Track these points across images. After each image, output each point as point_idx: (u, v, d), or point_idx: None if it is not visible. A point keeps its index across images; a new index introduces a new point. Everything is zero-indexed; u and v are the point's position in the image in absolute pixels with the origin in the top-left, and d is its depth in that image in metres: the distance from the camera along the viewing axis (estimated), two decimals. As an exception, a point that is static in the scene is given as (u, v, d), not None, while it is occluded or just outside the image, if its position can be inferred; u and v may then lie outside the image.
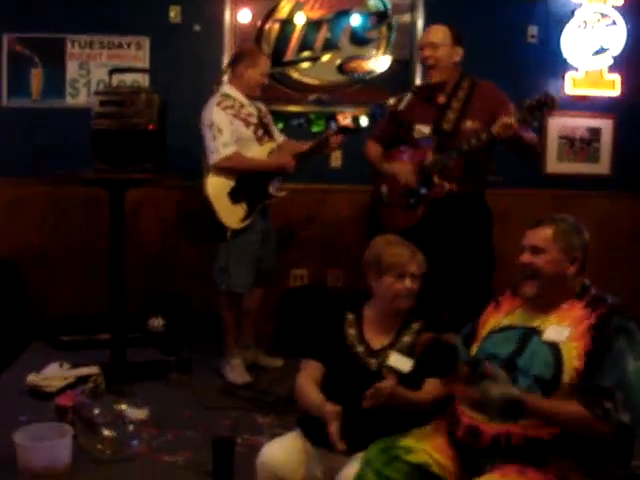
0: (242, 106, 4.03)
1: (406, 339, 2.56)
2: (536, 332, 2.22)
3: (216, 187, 3.93)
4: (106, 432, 2.98)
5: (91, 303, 4.69)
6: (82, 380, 3.63)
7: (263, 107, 4.22)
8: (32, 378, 3.67)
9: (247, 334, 4.29)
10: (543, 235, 2.28)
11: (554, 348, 2.14)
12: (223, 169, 3.92)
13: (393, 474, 2.16)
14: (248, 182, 3.98)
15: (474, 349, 2.38)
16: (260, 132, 4.07)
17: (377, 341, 2.57)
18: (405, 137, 3.70)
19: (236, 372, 4.02)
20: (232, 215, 3.94)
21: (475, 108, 3.58)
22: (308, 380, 2.55)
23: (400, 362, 2.46)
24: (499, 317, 2.39)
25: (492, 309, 2.45)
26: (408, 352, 2.51)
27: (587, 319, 2.17)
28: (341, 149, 4.64)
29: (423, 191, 3.56)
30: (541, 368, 2.13)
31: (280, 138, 4.24)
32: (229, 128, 3.91)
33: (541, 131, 5.06)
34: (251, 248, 4.03)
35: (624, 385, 2.04)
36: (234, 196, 3.95)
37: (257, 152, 4.04)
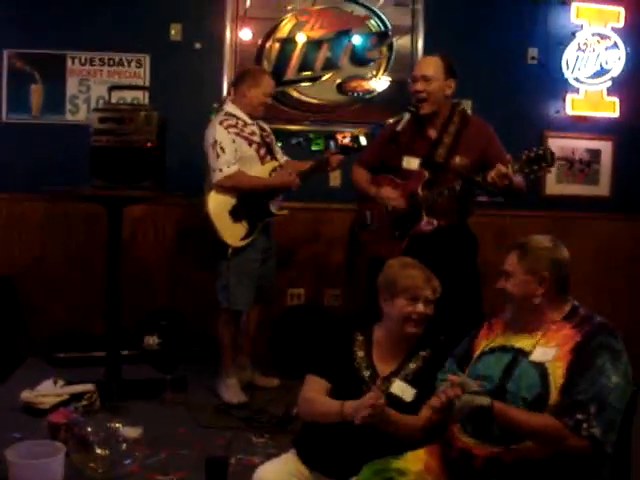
0: (245, 125, 4.04)
1: (412, 366, 2.54)
2: (523, 354, 2.21)
3: (218, 205, 3.94)
4: (99, 450, 2.93)
5: (87, 320, 4.69)
6: (76, 397, 3.61)
7: (267, 127, 4.24)
8: (26, 395, 3.65)
9: (244, 354, 4.27)
10: (510, 260, 2.32)
11: (541, 369, 2.13)
12: (225, 187, 3.92)
13: (386, 496, 2.15)
14: (249, 200, 3.98)
15: (467, 371, 2.36)
16: (262, 151, 4.08)
17: (384, 366, 2.55)
18: (393, 166, 3.68)
19: (231, 392, 4.00)
20: (233, 233, 3.95)
21: (465, 144, 3.56)
22: (315, 392, 2.53)
23: (403, 390, 2.46)
24: (490, 338, 2.38)
25: (485, 331, 2.44)
26: (413, 379, 2.50)
27: (573, 338, 2.16)
28: (340, 168, 4.64)
29: (408, 225, 3.56)
30: (528, 390, 2.12)
31: (283, 158, 4.25)
32: (231, 146, 3.92)
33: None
34: (252, 266, 4.03)
35: (602, 401, 2.02)
36: (235, 214, 3.96)
37: (259, 171, 4.04)
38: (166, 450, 3.20)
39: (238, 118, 4.03)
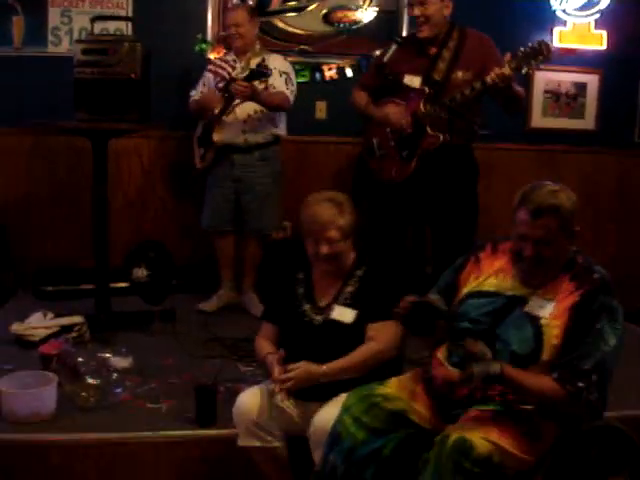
0: (224, 61, 4.33)
1: (349, 289, 2.60)
2: (519, 302, 2.20)
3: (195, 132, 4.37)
4: (90, 380, 2.99)
5: (75, 254, 4.70)
6: (66, 329, 3.63)
7: (265, 60, 4.23)
8: (16, 327, 3.67)
9: (243, 279, 4.49)
10: (547, 224, 2.13)
11: (535, 324, 2.14)
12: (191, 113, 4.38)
13: (371, 421, 2.22)
14: (204, 128, 4.29)
15: (455, 304, 2.37)
16: (221, 84, 4.22)
17: (323, 297, 2.62)
18: (394, 88, 3.68)
19: (208, 301, 4.40)
20: (196, 157, 4.39)
21: (466, 58, 3.60)
22: (262, 339, 2.71)
23: (343, 314, 2.53)
24: (480, 275, 2.36)
25: (472, 265, 2.41)
26: (352, 301, 2.57)
27: (571, 295, 2.14)
28: (325, 100, 4.64)
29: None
30: (520, 344, 2.14)
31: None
32: (201, 80, 4.36)
33: (527, 85, 5.05)
34: (211, 191, 4.38)
35: (602, 368, 2.06)
36: (198, 140, 4.36)
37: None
38: (156, 379, 3.25)
39: (223, 57, 4.40)
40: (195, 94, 4.32)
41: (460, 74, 3.57)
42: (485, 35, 3.71)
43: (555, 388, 2.05)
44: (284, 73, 4.16)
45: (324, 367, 2.44)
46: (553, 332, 2.11)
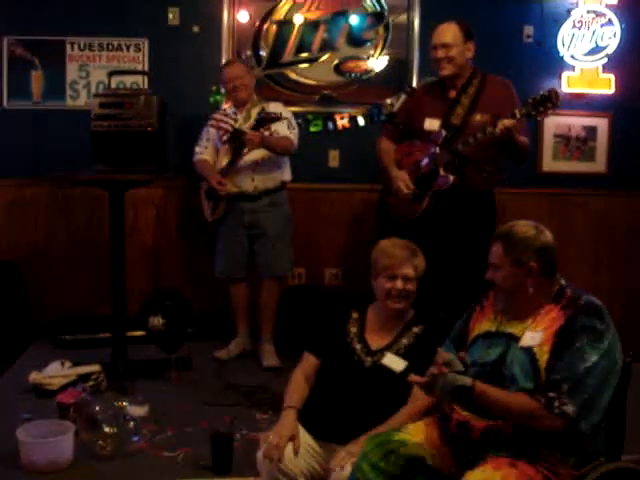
0: (225, 115, 4.43)
1: (404, 341, 2.64)
2: (514, 339, 2.24)
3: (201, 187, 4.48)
4: (107, 429, 3.01)
5: (91, 303, 4.75)
6: (83, 378, 3.67)
7: (269, 109, 4.33)
8: (34, 376, 3.71)
9: (260, 327, 4.50)
10: (496, 251, 2.30)
11: (529, 354, 2.17)
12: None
13: (389, 467, 2.21)
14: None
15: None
16: (225, 137, 4.33)
17: (376, 341, 2.65)
18: (416, 132, 3.75)
19: (222, 349, 4.44)
20: (206, 210, 4.48)
21: (484, 103, 3.67)
22: (299, 373, 2.68)
23: (394, 362, 2.55)
24: (484, 321, 2.40)
25: (478, 313, 2.46)
26: (405, 353, 2.60)
27: (558, 321, 2.18)
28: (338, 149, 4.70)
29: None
30: (522, 377, 2.15)
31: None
32: (204, 136, 4.45)
33: (537, 130, 5.11)
34: (223, 240, 4.44)
35: (576, 380, 2.06)
36: (206, 194, 4.43)
37: (222, 153, 4.36)
38: (172, 427, 3.28)
39: (223, 111, 4.52)
40: (200, 150, 4.42)
41: (478, 117, 3.63)
42: (507, 81, 3.80)
43: (528, 401, 2.07)
44: (285, 118, 4.24)
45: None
46: (544, 357, 2.14)
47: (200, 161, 4.40)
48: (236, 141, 4.18)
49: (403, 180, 3.72)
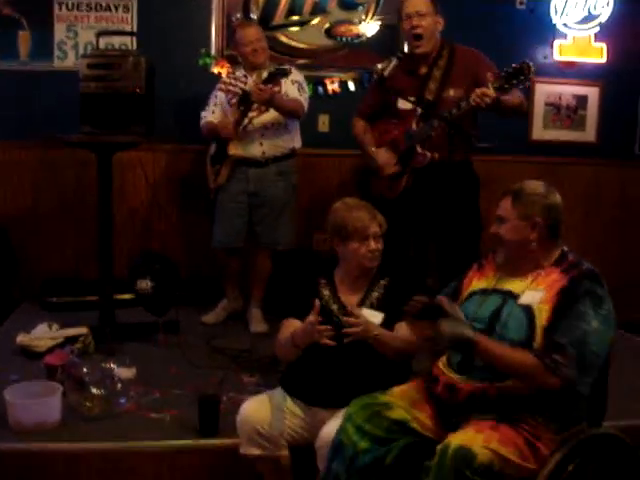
0: (235, 79, 4.30)
1: (375, 294, 2.69)
2: (512, 296, 2.28)
3: (207, 152, 4.36)
4: (94, 390, 3.00)
5: (80, 266, 4.75)
6: (71, 340, 3.67)
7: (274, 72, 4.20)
8: (21, 338, 3.70)
9: (251, 292, 4.46)
10: (504, 205, 2.35)
11: (528, 311, 2.21)
12: (204, 134, 4.34)
13: (373, 429, 2.25)
14: (218, 146, 4.28)
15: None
16: (234, 99, 4.21)
17: (349, 300, 2.68)
18: (390, 108, 3.73)
19: (210, 313, 4.44)
20: (210, 176, 4.34)
21: (456, 76, 3.62)
22: (287, 333, 2.66)
23: (371, 315, 2.59)
24: (481, 279, 2.45)
25: (475, 271, 2.51)
26: (377, 305, 2.66)
27: (560, 282, 2.22)
28: (328, 113, 4.68)
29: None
30: (515, 331, 2.20)
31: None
32: (213, 100, 4.31)
33: (528, 98, 5.07)
34: (224, 208, 4.31)
35: (580, 345, 2.10)
36: (211, 159, 4.33)
37: (230, 115, 4.22)
38: (160, 389, 3.28)
39: (233, 74, 4.37)
40: (207, 114, 4.30)
41: (452, 92, 3.59)
42: (474, 49, 3.73)
43: (532, 360, 2.11)
44: (296, 82, 4.16)
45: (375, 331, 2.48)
46: (543, 315, 2.18)
47: (208, 123, 4.26)
48: (245, 103, 4.08)
49: (384, 158, 3.70)
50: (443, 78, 3.62)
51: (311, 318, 2.45)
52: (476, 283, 2.44)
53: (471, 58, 3.67)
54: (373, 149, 3.79)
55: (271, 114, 4.13)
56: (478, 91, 3.30)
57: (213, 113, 4.28)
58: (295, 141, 4.33)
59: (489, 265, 2.48)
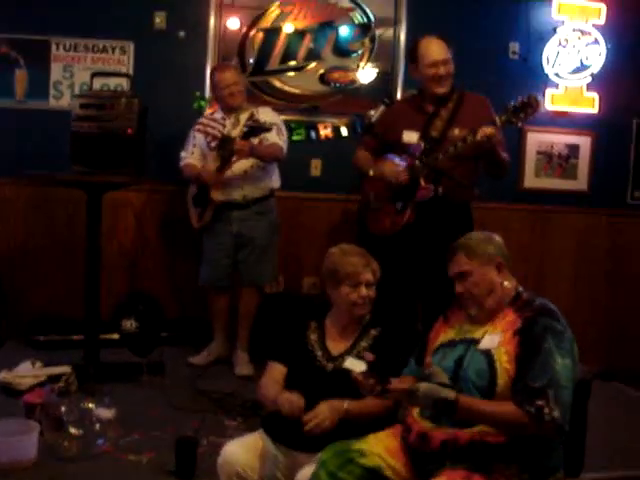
0: (213, 120, 4.37)
1: (363, 344, 2.66)
2: (474, 342, 2.28)
3: (188, 193, 4.43)
4: (73, 430, 3.00)
5: (68, 304, 4.71)
6: (53, 379, 3.65)
7: (258, 114, 4.28)
8: (4, 375, 3.70)
9: (237, 335, 4.48)
10: (460, 261, 2.37)
11: (487, 355, 2.21)
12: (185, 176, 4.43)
13: (346, 476, 2.22)
14: (200, 189, 4.33)
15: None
16: (213, 143, 4.28)
17: (336, 347, 2.66)
18: (392, 145, 3.75)
19: (199, 355, 4.44)
20: (193, 217, 4.43)
21: (463, 117, 3.67)
22: (269, 379, 2.66)
23: (354, 365, 2.54)
24: (448, 331, 2.44)
25: (441, 324, 2.51)
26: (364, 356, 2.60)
27: (515, 323, 2.23)
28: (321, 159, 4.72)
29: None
30: (476, 376, 2.20)
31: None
32: (190, 142, 4.40)
33: (520, 146, 5.14)
34: (210, 248, 4.41)
35: (556, 384, 2.09)
36: (194, 200, 4.40)
37: (210, 159, 4.30)
38: (139, 431, 3.26)
39: (211, 116, 4.43)
40: (186, 155, 4.38)
41: (457, 131, 3.63)
42: (485, 98, 3.80)
43: (516, 412, 2.08)
44: (274, 124, 4.20)
45: (345, 404, 2.45)
46: (503, 358, 2.18)
47: (187, 165, 4.35)
48: (225, 148, 4.15)
49: (393, 170, 3.68)
50: (450, 117, 3.68)
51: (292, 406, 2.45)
52: (443, 336, 2.44)
53: (480, 104, 3.75)
54: (377, 166, 3.76)
55: (251, 160, 4.21)
56: (485, 128, 3.37)
57: (192, 154, 4.36)
58: (274, 181, 4.41)
59: (454, 316, 2.48)
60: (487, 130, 3.37)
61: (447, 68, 3.68)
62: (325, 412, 2.42)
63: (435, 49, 3.78)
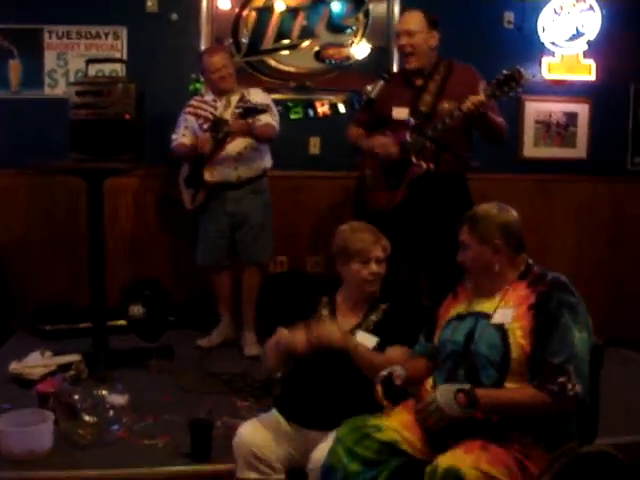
0: (203, 102, 4.37)
1: (373, 318, 2.69)
2: (484, 316, 2.30)
3: (181, 174, 4.45)
4: (87, 417, 3.00)
5: (73, 292, 4.73)
6: (64, 368, 3.66)
7: (249, 96, 4.31)
8: (14, 366, 3.70)
9: (242, 315, 4.49)
10: (463, 232, 2.40)
11: (500, 330, 2.22)
12: (174, 157, 4.46)
13: (363, 451, 2.24)
14: (192, 169, 4.34)
15: (436, 338, 2.48)
16: (205, 125, 4.26)
17: (347, 322, 2.68)
18: (384, 121, 3.74)
19: (206, 337, 4.45)
20: (185, 198, 4.44)
21: (451, 89, 3.65)
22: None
23: (365, 339, 2.60)
24: (456, 306, 2.47)
25: (450, 300, 2.54)
26: (374, 329, 2.65)
27: (528, 298, 2.24)
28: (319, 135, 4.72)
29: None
30: (488, 350, 2.21)
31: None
32: (182, 123, 4.38)
33: (518, 115, 5.12)
34: (206, 228, 4.44)
35: (575, 358, 2.11)
36: (186, 181, 4.41)
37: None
38: (152, 415, 3.27)
39: (201, 98, 4.41)
40: (177, 137, 4.36)
41: (446, 104, 3.61)
42: (471, 67, 3.78)
43: (536, 394, 2.11)
44: (266, 105, 4.21)
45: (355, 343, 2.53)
46: (517, 333, 2.20)
47: (180, 144, 4.33)
48: (218, 129, 4.14)
49: (383, 144, 3.67)
50: (438, 91, 3.66)
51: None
52: (452, 311, 2.46)
53: (467, 74, 3.72)
54: (371, 139, 3.75)
55: (244, 140, 4.22)
56: (472, 97, 3.36)
57: (184, 136, 4.35)
58: (266, 162, 4.42)
59: (462, 292, 2.50)
60: (474, 99, 3.36)
61: (410, 40, 3.63)
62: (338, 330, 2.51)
63: (402, 19, 3.81)
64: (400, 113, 3.67)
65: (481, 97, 3.35)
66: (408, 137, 3.60)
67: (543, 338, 2.15)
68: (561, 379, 2.09)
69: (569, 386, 2.08)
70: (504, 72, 3.31)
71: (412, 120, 3.61)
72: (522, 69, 3.31)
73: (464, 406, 2.12)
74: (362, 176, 3.90)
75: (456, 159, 3.67)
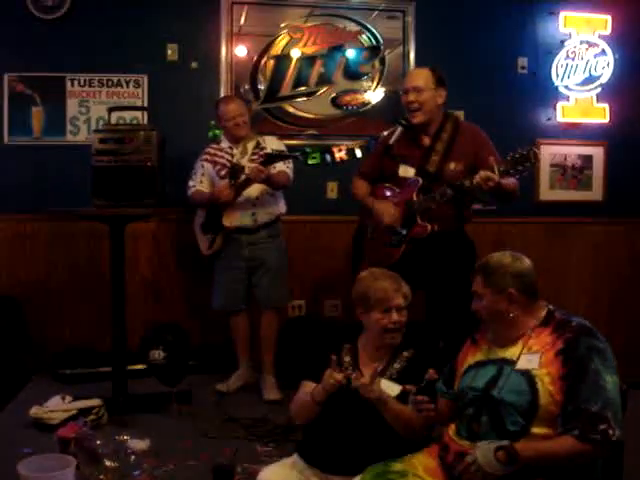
0: (220, 150, 4.43)
1: (396, 366, 2.67)
2: (508, 362, 2.28)
3: (195, 220, 4.51)
4: (108, 462, 3.00)
5: (92, 337, 4.75)
6: (84, 412, 3.67)
7: (265, 143, 4.41)
8: (35, 411, 3.71)
9: (261, 359, 4.49)
10: (477, 282, 2.40)
11: (527, 376, 2.21)
12: (192, 204, 4.49)
13: (388, 497, 2.22)
14: (209, 215, 4.40)
15: (456, 385, 2.47)
16: (223, 172, 4.33)
17: (370, 370, 2.63)
18: (390, 175, 3.77)
19: (225, 382, 4.45)
20: (202, 244, 4.47)
21: (458, 150, 3.65)
22: (302, 394, 2.69)
23: (388, 388, 2.57)
24: (476, 353, 2.45)
25: (469, 346, 2.52)
26: (398, 377, 2.63)
27: (555, 344, 2.23)
28: (338, 181, 4.76)
29: (404, 232, 3.64)
30: (515, 397, 2.19)
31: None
32: (198, 170, 4.43)
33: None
34: (222, 273, 4.47)
35: (610, 404, 2.10)
36: (203, 227, 4.45)
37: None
38: (173, 461, 3.26)
39: (217, 146, 4.45)
40: (194, 184, 4.41)
41: (452, 165, 3.62)
42: (478, 128, 3.77)
43: (578, 444, 2.07)
44: (283, 152, 4.30)
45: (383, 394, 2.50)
46: (545, 379, 2.18)
47: (198, 192, 4.39)
48: (236, 176, 4.21)
49: (388, 209, 3.68)
50: (445, 151, 3.66)
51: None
52: (471, 358, 2.45)
53: (474, 136, 3.71)
54: (377, 203, 3.76)
55: (260, 186, 4.27)
56: (483, 174, 3.31)
57: (201, 182, 4.40)
58: (280, 207, 4.48)
59: (481, 339, 2.49)
60: (484, 175, 3.30)
61: (417, 97, 3.63)
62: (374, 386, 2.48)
63: (410, 76, 3.83)
64: (407, 172, 3.69)
65: (494, 176, 3.28)
66: (414, 197, 3.62)
67: (575, 385, 2.13)
68: (602, 426, 2.06)
69: (610, 432, 2.06)
70: (519, 151, 3.26)
71: (420, 181, 3.64)
72: (537, 150, 3.30)
73: (505, 463, 2.09)
74: (362, 226, 3.93)
75: (458, 217, 3.69)
